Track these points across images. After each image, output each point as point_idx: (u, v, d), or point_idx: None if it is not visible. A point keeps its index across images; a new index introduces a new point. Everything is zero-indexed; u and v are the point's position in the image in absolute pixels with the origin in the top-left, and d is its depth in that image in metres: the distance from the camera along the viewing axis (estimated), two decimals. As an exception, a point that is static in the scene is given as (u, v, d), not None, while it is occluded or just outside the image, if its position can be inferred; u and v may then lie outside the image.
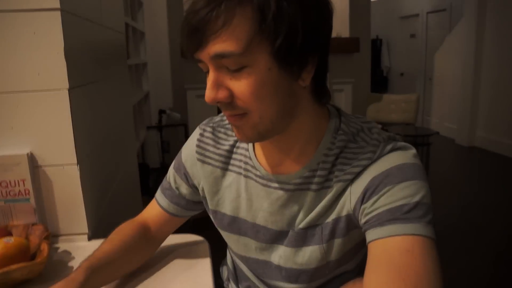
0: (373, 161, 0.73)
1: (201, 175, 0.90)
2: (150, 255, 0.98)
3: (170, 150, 4.10)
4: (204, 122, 0.93)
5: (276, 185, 0.80)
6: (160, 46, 4.44)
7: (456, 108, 5.80)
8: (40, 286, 0.90)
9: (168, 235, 1.03)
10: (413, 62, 7.22)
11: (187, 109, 3.43)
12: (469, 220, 3.26)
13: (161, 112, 4.11)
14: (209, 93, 0.67)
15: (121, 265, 0.90)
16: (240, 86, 0.66)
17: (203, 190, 0.91)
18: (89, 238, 1.14)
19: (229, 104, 0.68)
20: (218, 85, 0.67)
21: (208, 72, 0.69)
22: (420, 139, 4.07)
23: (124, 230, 0.95)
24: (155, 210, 0.98)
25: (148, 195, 3.37)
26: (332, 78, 3.98)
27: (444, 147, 5.56)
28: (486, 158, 5.01)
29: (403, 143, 0.76)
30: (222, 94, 0.67)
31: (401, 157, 0.73)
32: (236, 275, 0.99)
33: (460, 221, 3.22)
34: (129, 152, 2.06)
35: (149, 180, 3.63)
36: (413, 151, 0.75)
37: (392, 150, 0.74)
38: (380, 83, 7.95)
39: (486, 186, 4.09)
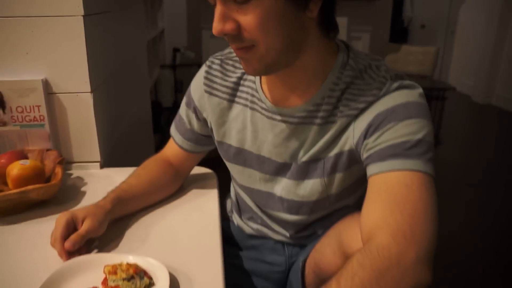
0: (378, 98, 0.74)
1: (208, 107, 0.90)
2: (174, 190, 1.02)
3: (183, 89, 4.09)
4: (213, 54, 0.93)
5: (280, 118, 0.81)
6: (176, -18, 4.32)
7: (475, 64, 5.65)
8: (54, 208, 0.94)
9: (190, 171, 1.06)
10: (436, 13, 6.95)
11: (202, 49, 3.39)
12: (478, 175, 3.27)
13: (175, 50, 4.06)
14: (216, 25, 0.67)
15: (145, 199, 0.95)
16: (247, 18, 0.66)
17: (210, 122, 0.92)
18: (101, 166, 1.18)
19: (236, 36, 0.68)
20: (225, 17, 0.67)
21: (215, 5, 0.68)
22: (435, 93, 4.00)
23: (150, 167, 0.99)
24: (173, 147, 1.01)
25: (160, 133, 3.42)
26: (351, 25, 3.86)
27: (459, 103, 5.47)
28: (501, 116, 4.93)
29: (410, 82, 0.75)
30: (229, 26, 0.67)
31: (407, 95, 0.73)
32: (239, 206, 1.03)
33: (468, 176, 3.23)
34: (142, 89, 2.07)
35: (161, 119, 3.65)
36: (419, 90, 0.75)
37: (399, 88, 0.74)
38: (399, 33, 7.71)
39: (498, 144, 4.06)
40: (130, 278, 0.67)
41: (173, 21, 4.36)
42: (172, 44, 4.24)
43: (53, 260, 0.76)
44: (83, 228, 0.78)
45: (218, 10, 0.67)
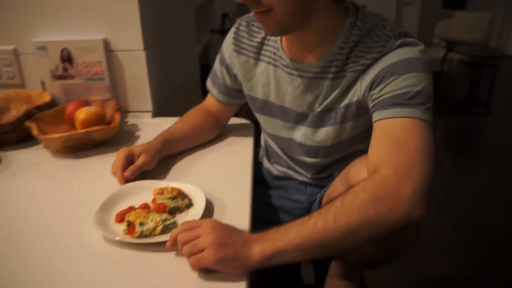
0: (383, 54, 0.83)
1: (237, 64, 1.03)
2: (213, 136, 1.16)
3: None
4: (241, 17, 1.04)
5: (298, 73, 0.93)
6: None
7: (537, 31, 5.36)
8: (113, 147, 1.11)
9: (227, 120, 1.20)
10: (498, -24, 6.57)
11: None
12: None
13: (224, 15, 4.16)
14: None
15: (188, 141, 1.10)
16: None
17: (239, 77, 1.05)
18: (153, 116, 1.34)
19: (256, 2, 0.79)
20: None
21: None
22: (488, 61, 3.90)
23: (194, 114, 1.14)
24: (211, 99, 1.16)
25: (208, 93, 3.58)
26: (401, -10, 3.79)
27: (516, 72, 5.26)
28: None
29: (412, 39, 0.84)
30: None
31: (408, 51, 0.82)
32: (268, 152, 1.16)
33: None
34: (191, 52, 2.21)
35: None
36: (420, 47, 0.83)
37: (401, 45, 0.83)
38: (457, -2, 7.37)
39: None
40: (174, 198, 0.82)
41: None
42: (222, 10, 4.35)
43: (113, 184, 0.93)
44: (139, 161, 0.94)
45: None
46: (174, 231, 0.72)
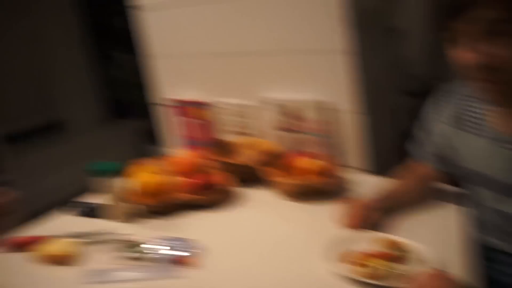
0: None
1: (440, 133, 1.09)
2: (423, 199, 1.19)
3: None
4: (442, 88, 1.09)
5: (509, 145, 0.92)
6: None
7: None
8: (330, 197, 1.24)
9: (436, 184, 1.22)
10: None
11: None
12: None
13: (412, 76, 4.16)
14: (476, 58, 0.78)
15: (405, 203, 1.17)
16: (506, 53, 0.76)
17: (443, 146, 1.09)
18: (373, 174, 1.44)
19: (491, 68, 0.78)
20: (483, 52, 0.77)
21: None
22: None
23: (410, 177, 1.21)
24: (418, 164, 1.21)
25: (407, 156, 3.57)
26: None
27: None
28: None
29: None
30: (488, 59, 0.77)
31: None
32: (479, 221, 1.12)
33: None
34: (387, 113, 2.29)
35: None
36: None
37: None
38: None
39: None
40: (399, 250, 0.93)
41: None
42: (410, 70, 4.34)
43: (330, 228, 1.07)
44: (374, 217, 1.07)
45: (478, 44, 0.78)
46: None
